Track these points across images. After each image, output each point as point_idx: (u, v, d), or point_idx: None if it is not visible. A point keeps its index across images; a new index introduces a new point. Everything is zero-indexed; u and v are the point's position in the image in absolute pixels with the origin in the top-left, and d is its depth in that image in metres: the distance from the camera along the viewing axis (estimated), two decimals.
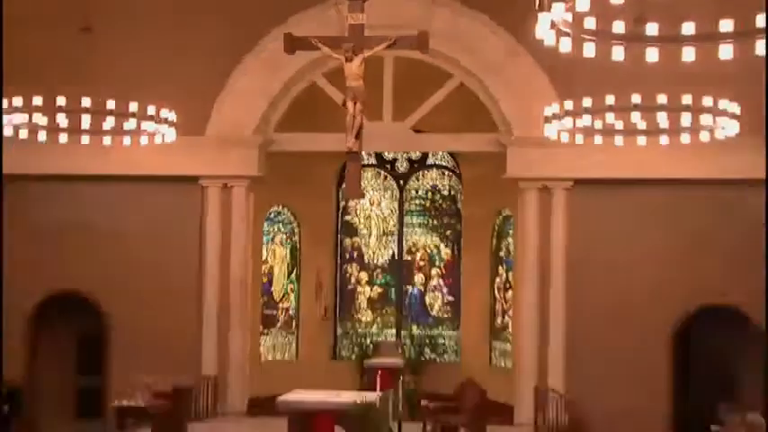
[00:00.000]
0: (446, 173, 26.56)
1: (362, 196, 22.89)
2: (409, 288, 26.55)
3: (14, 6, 21.70)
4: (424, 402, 20.27)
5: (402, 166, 26.78)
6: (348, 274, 26.69)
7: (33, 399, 21.44)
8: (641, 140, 16.74)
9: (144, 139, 17.66)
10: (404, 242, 26.54)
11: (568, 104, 15.76)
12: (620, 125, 15.96)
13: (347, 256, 26.71)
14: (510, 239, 24.13)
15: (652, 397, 19.99)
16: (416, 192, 26.74)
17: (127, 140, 17.72)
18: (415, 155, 26.48)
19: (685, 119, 15.23)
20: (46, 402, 22.15)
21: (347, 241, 26.69)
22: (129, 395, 19.47)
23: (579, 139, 16.81)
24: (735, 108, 15.14)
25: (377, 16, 16.97)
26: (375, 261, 26.73)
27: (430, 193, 26.69)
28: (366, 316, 26.57)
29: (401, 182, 26.72)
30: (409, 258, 26.58)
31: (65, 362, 23.26)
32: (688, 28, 10.44)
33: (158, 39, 21.62)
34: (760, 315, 20.69)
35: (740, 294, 20.79)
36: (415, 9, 20.89)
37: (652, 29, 10.67)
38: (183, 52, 21.57)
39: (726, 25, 9.99)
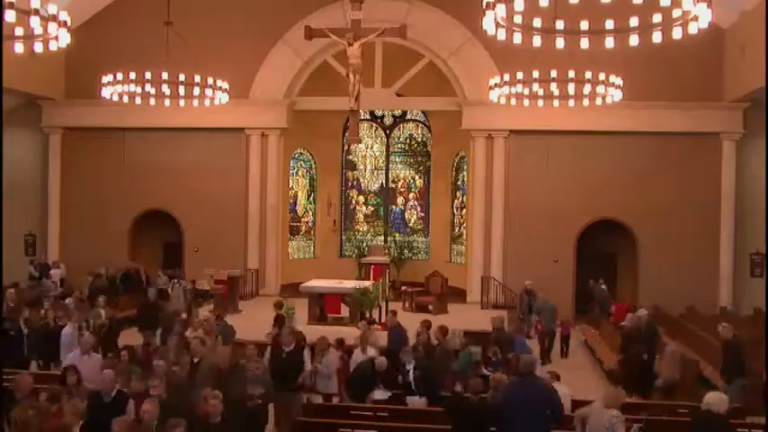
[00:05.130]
0: (420, 125, 26.39)
1: (360, 141, 23.21)
2: (393, 207, 26.53)
3: (117, 7, 21.93)
4: (403, 288, 20.95)
5: (388, 120, 26.57)
6: (350, 197, 26.63)
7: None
8: (556, 103, 16.77)
9: (206, 102, 17.60)
10: (389, 174, 26.49)
11: (506, 77, 15.74)
12: (541, 92, 15.76)
13: (349, 184, 26.63)
14: (464, 173, 24.15)
15: (562, 280, 20.51)
16: (399, 138, 26.58)
17: (195, 102, 17.68)
18: (398, 112, 26.29)
19: (586, 88, 15.32)
20: None
21: (349, 174, 26.61)
22: (198, 281, 20.10)
23: (513, 101, 16.64)
24: (619, 81, 15.34)
25: (371, 13, 17.27)
26: (369, 188, 26.70)
27: (408, 140, 26.53)
28: (363, 227, 26.58)
29: (388, 131, 26.56)
30: (393, 186, 26.54)
31: (154, 258, 23.41)
32: (585, 24, 10.57)
33: (216, 30, 21.59)
34: (636, 227, 21.29)
35: (624, 213, 21.35)
36: (397, 8, 20.84)
37: (560, 24, 10.52)
38: (233, 39, 21.56)
39: (609, 23, 10.28)
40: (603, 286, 20.05)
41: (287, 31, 21.63)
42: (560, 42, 10.66)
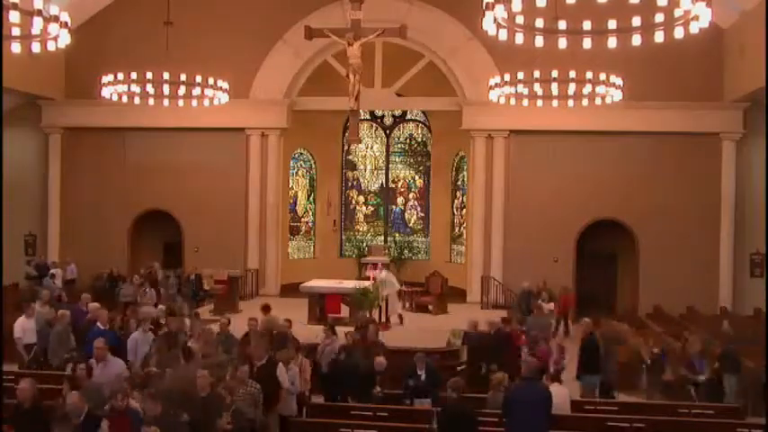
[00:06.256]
0: (420, 125, 26.38)
1: (360, 141, 23.24)
2: (393, 207, 26.52)
3: (117, 7, 21.93)
4: (403, 287, 20.81)
5: (388, 120, 26.56)
6: (350, 197, 26.63)
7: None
8: (555, 103, 16.73)
9: (206, 102, 17.59)
10: (389, 174, 26.48)
11: (506, 77, 15.78)
12: (541, 92, 15.74)
13: (349, 184, 26.63)
14: (464, 173, 24.15)
15: (562, 280, 20.36)
16: (399, 138, 26.57)
17: (195, 102, 17.67)
18: (398, 112, 26.29)
19: (586, 88, 15.34)
20: None
21: (349, 174, 26.61)
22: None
23: (513, 101, 16.69)
24: (619, 81, 15.36)
25: (371, 13, 17.26)
26: (369, 188, 26.69)
27: (408, 140, 26.52)
28: (363, 227, 26.57)
29: (388, 131, 26.55)
30: (393, 186, 26.53)
31: (154, 258, 22.99)
32: (587, 24, 10.61)
33: (216, 30, 21.60)
34: (636, 227, 21.28)
35: (624, 213, 21.34)
36: (397, 8, 20.83)
37: (562, 24, 10.61)
38: (233, 39, 21.55)
39: (611, 23, 10.28)
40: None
41: (287, 31, 21.58)
42: (562, 42, 10.69)
